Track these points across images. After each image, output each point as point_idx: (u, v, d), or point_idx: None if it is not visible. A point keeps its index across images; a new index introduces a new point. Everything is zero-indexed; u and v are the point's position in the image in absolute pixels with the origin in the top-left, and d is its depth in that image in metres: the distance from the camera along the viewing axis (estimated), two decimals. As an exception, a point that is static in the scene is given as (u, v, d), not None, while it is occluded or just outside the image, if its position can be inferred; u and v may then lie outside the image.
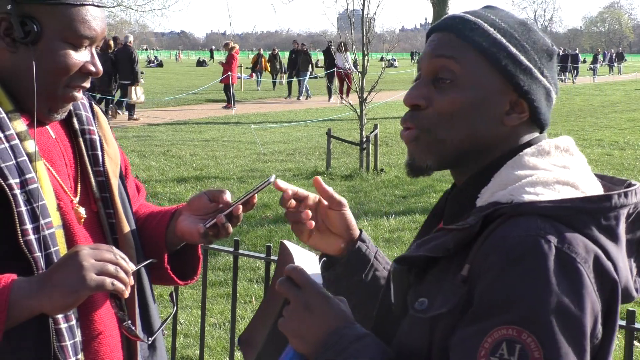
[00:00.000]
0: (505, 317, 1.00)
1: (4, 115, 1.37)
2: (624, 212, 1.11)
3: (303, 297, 1.18)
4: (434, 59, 1.18)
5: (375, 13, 12.65)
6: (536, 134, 1.21)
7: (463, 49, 1.16)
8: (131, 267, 1.35)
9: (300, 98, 23.50)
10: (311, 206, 1.42)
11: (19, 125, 1.39)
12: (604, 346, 1.07)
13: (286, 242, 1.36)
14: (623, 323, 2.14)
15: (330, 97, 22.44)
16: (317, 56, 41.76)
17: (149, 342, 1.56)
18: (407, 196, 8.56)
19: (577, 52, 40.40)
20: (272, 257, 2.73)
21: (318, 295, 1.18)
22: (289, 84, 24.28)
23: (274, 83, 27.15)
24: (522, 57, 1.16)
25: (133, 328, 1.49)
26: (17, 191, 1.33)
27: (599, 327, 1.04)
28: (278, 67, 27.37)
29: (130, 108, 16.46)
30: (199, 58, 58.48)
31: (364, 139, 10.09)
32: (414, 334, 1.12)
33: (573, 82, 36.09)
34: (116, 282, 1.30)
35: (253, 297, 5.22)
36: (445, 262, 1.12)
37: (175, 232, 1.57)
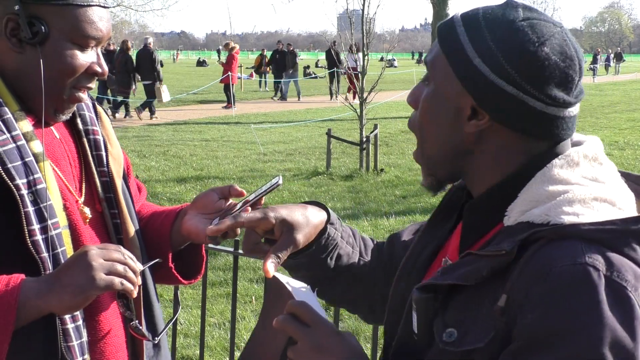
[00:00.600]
0: (558, 353, 0.95)
1: (10, 115, 1.37)
2: None
3: (313, 337, 1.11)
4: (427, 60, 1.17)
5: (375, 13, 12.68)
6: (542, 147, 1.11)
7: (437, 51, 1.13)
8: (139, 266, 1.35)
9: (276, 98, 22.81)
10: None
11: (25, 125, 1.40)
12: None
13: (277, 274, 1.29)
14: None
15: (332, 97, 22.44)
16: (318, 56, 41.78)
17: (155, 342, 1.56)
18: (407, 196, 8.56)
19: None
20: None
21: (330, 334, 1.11)
22: (275, 84, 23.78)
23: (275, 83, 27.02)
24: (479, 62, 1.06)
25: (140, 327, 1.50)
26: (25, 191, 1.33)
27: None
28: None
29: (150, 106, 17.12)
30: (199, 58, 58.49)
31: (364, 139, 10.09)
32: None
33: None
34: (125, 282, 1.30)
35: (253, 297, 5.22)
36: (474, 289, 1.05)
37: (181, 231, 1.57)
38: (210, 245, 2.90)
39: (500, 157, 1.11)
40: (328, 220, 1.39)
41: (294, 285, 1.26)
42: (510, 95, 1.05)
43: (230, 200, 1.54)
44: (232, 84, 18.97)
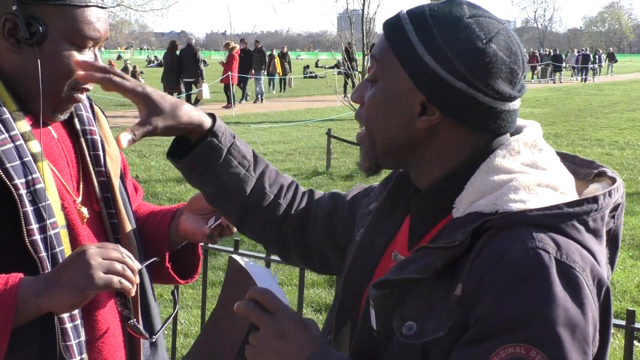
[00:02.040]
0: (512, 336, 0.98)
1: (8, 115, 1.38)
2: (607, 211, 1.10)
3: (276, 324, 1.11)
4: (370, 58, 1.19)
5: (375, 13, 12.63)
6: (489, 140, 1.14)
7: (385, 49, 1.14)
8: (137, 265, 1.36)
9: (244, 101, 21.57)
10: None
11: (23, 125, 1.40)
12: (602, 350, 1.07)
13: (236, 257, 1.28)
14: (623, 323, 2.14)
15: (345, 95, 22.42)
16: (318, 56, 41.76)
17: (153, 340, 1.56)
18: (407, 196, 8.56)
19: (586, 51, 40.48)
20: (272, 257, 2.74)
21: (293, 322, 1.12)
22: (242, 87, 22.11)
23: (280, 81, 26.83)
24: (429, 60, 1.08)
25: (138, 326, 1.50)
26: (23, 191, 1.33)
27: (597, 335, 1.04)
28: (287, 67, 26.23)
29: (196, 103, 17.84)
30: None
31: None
32: (403, 358, 1.08)
33: (585, 81, 36.50)
34: (123, 281, 1.31)
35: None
36: (430, 281, 1.07)
37: (178, 231, 1.58)
38: (210, 245, 2.91)
39: (446, 150, 1.14)
40: (212, 129, 1.35)
41: (254, 270, 1.26)
42: (460, 90, 1.08)
43: None
44: (232, 84, 18.97)
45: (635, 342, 3.90)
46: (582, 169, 1.21)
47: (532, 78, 36.76)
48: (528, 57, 36.19)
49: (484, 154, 1.13)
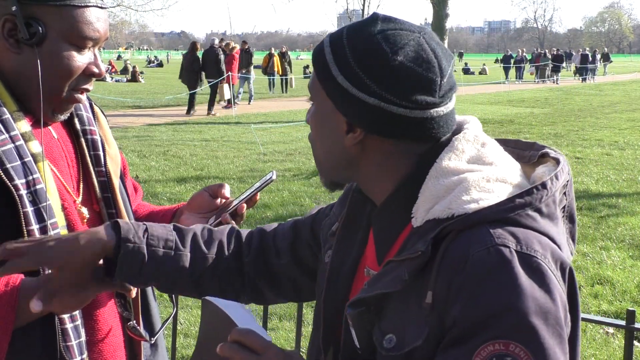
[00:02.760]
0: (489, 333, 1.00)
1: (8, 115, 1.37)
2: (557, 193, 1.13)
3: None
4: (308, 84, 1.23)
5: (375, 13, 12.60)
6: (421, 147, 1.15)
7: (313, 73, 1.19)
8: None
9: (224, 103, 19.89)
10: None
11: (23, 125, 1.40)
12: (574, 330, 1.09)
13: (210, 298, 1.26)
14: (623, 323, 2.14)
15: None
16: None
17: (152, 342, 1.56)
18: (407, 196, 8.55)
19: (586, 51, 40.33)
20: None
21: (280, 358, 1.12)
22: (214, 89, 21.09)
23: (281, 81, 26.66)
24: (342, 80, 1.12)
25: (138, 328, 1.50)
26: (23, 192, 1.33)
27: (568, 316, 1.07)
28: (287, 66, 25.79)
29: (213, 103, 18.27)
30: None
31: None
32: None
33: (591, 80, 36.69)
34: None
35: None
36: (403, 293, 1.09)
37: None
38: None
39: (387, 164, 1.16)
40: (120, 238, 1.27)
41: (232, 310, 1.23)
42: (373, 106, 1.10)
43: (225, 198, 1.55)
44: (232, 84, 18.97)
45: (635, 342, 3.91)
46: (526, 152, 1.24)
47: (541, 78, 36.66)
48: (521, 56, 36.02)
49: (429, 159, 1.15)
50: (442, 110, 1.14)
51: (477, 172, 1.12)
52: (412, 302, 1.08)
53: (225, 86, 18.54)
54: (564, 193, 1.17)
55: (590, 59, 38.78)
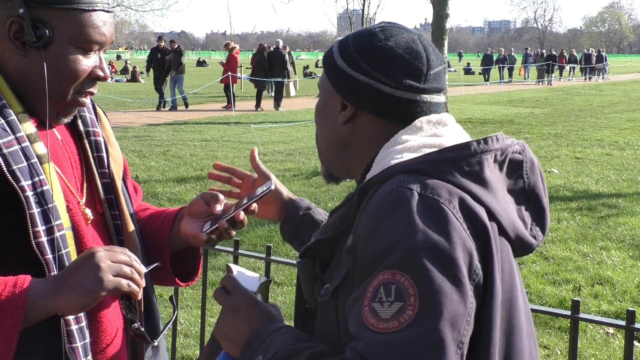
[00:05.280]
0: (381, 266, 1.05)
1: (14, 117, 1.38)
2: (487, 158, 1.17)
3: (231, 300, 1.26)
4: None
5: (375, 13, 12.66)
6: (401, 128, 1.24)
7: (323, 71, 1.34)
8: (143, 269, 1.36)
9: (166, 108, 19.35)
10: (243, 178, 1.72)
11: (29, 127, 1.40)
12: (488, 285, 1.09)
13: (232, 265, 1.39)
14: (623, 323, 2.14)
15: None
16: (318, 56, 41.73)
17: (155, 344, 1.56)
18: (407, 196, 8.55)
19: (590, 52, 40.43)
20: (272, 257, 2.74)
21: (245, 298, 1.25)
22: (159, 90, 19.59)
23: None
24: (341, 63, 1.27)
25: (142, 330, 1.50)
26: (29, 193, 1.33)
27: (476, 264, 1.08)
28: (291, 68, 25.68)
29: (280, 99, 19.87)
30: (199, 58, 58.54)
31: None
32: (324, 319, 1.18)
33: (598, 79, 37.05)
34: (132, 284, 1.32)
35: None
36: (338, 243, 1.19)
37: (180, 234, 1.58)
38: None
39: (368, 141, 1.27)
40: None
41: (243, 273, 1.37)
42: (364, 83, 1.24)
43: (224, 203, 1.55)
44: (232, 84, 18.98)
45: (635, 342, 3.90)
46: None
47: (560, 78, 36.79)
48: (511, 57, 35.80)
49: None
50: (427, 98, 1.25)
51: (418, 139, 1.21)
52: (341, 248, 1.17)
53: (291, 84, 20.49)
54: (519, 172, 1.22)
55: (595, 59, 38.86)
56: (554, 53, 37.65)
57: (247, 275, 1.37)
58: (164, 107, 19.49)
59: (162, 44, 19.96)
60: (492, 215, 1.13)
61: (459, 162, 1.14)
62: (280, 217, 1.69)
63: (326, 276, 1.20)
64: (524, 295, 1.22)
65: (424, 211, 1.06)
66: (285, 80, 19.90)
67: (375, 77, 1.23)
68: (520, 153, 1.23)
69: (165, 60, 19.32)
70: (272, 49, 20.40)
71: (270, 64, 19.73)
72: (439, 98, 1.27)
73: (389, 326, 1.01)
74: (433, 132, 1.23)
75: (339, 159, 1.32)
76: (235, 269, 1.38)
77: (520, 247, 1.21)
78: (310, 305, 1.25)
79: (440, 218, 1.06)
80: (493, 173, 1.17)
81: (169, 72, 19.29)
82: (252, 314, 1.22)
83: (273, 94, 20.46)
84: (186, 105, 19.81)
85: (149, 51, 19.42)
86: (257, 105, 19.69)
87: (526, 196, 1.23)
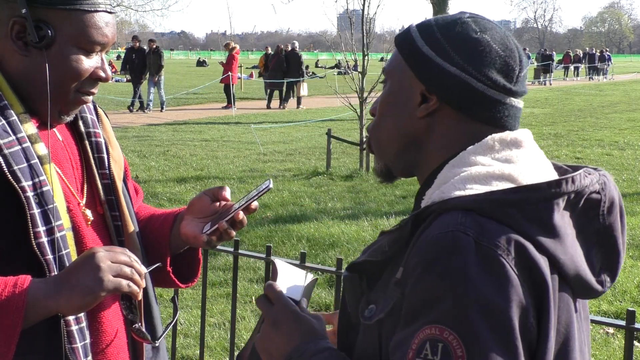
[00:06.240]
0: (429, 317, 0.98)
1: (15, 117, 1.38)
2: (559, 202, 1.06)
3: (273, 314, 1.20)
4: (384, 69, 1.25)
5: (375, 13, 12.61)
6: (485, 131, 1.14)
7: (394, 53, 1.22)
8: (143, 269, 1.36)
9: (134, 108, 18.67)
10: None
11: (30, 127, 1.40)
12: (541, 342, 1.02)
13: (276, 259, 1.34)
14: (623, 323, 2.14)
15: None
16: (318, 56, 41.75)
17: (156, 345, 1.56)
18: (407, 196, 8.56)
19: (594, 51, 40.53)
20: (272, 257, 2.74)
21: (286, 312, 1.19)
22: (135, 91, 18.94)
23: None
24: (427, 50, 1.14)
25: (143, 330, 1.50)
26: (30, 193, 1.33)
27: (531, 321, 1.00)
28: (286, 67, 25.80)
29: (299, 100, 20.93)
30: (199, 58, 58.54)
31: (364, 139, 10.09)
32: (367, 342, 1.12)
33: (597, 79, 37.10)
34: (132, 284, 1.32)
35: (253, 297, 5.22)
36: (389, 266, 1.11)
37: (180, 235, 1.58)
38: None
39: (444, 140, 1.16)
40: None
41: (288, 270, 1.31)
42: (454, 75, 1.12)
43: (226, 200, 1.55)
44: (232, 84, 18.97)
45: (635, 342, 3.91)
46: (570, 169, 1.20)
47: (565, 77, 36.77)
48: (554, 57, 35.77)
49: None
50: (514, 102, 1.16)
51: (487, 166, 1.09)
52: (390, 276, 1.10)
53: (304, 84, 21.32)
54: (595, 212, 1.11)
55: (597, 59, 38.96)
56: (549, 53, 37.60)
57: (293, 273, 1.30)
58: (133, 107, 18.67)
59: (137, 44, 19.06)
60: (555, 265, 1.04)
61: (524, 206, 1.03)
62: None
63: (372, 295, 1.13)
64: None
65: (480, 262, 0.98)
66: (300, 79, 20.80)
67: (467, 70, 1.11)
68: (599, 192, 1.12)
69: (144, 61, 18.33)
70: (289, 49, 21.35)
71: (287, 64, 20.63)
72: (521, 103, 1.17)
73: None
74: (505, 156, 1.11)
75: (405, 156, 1.20)
76: (280, 265, 1.31)
77: (584, 294, 1.12)
78: (353, 319, 1.17)
79: (496, 271, 0.98)
80: (563, 218, 1.07)
81: (146, 73, 18.33)
82: (294, 331, 1.17)
83: (284, 94, 21.10)
84: (162, 108, 18.91)
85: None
86: (269, 104, 20.58)
87: (599, 238, 1.13)
